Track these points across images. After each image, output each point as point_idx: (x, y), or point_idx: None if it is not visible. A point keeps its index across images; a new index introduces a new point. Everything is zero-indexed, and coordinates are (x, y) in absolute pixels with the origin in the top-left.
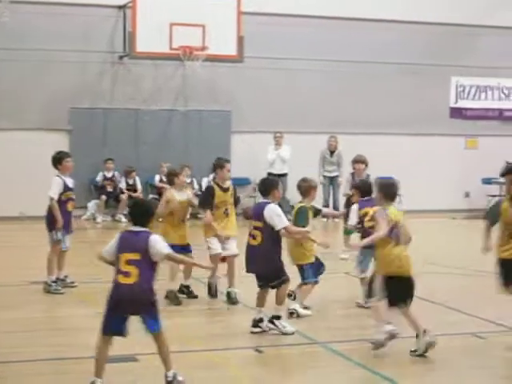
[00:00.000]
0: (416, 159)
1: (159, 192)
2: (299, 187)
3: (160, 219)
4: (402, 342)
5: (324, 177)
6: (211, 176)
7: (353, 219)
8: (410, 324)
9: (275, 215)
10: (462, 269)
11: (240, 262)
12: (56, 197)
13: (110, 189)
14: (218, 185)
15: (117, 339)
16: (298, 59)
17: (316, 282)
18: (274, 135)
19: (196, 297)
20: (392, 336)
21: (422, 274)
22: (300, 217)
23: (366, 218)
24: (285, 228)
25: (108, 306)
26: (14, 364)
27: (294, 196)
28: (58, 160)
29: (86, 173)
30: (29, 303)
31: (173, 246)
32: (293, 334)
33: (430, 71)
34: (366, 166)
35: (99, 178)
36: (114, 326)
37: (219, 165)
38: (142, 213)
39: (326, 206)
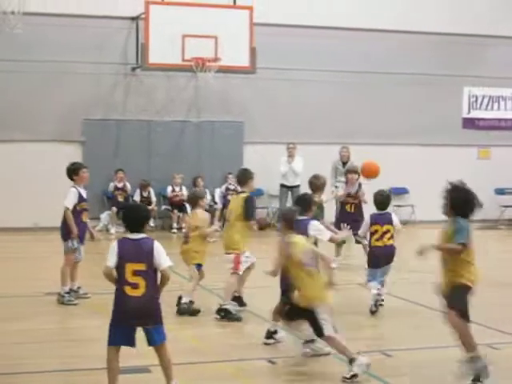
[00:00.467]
0: (428, 170)
1: (171, 203)
2: (311, 183)
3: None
4: (418, 354)
5: (336, 187)
6: (223, 187)
7: (362, 231)
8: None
9: (318, 231)
10: None
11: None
12: (71, 207)
13: (120, 199)
14: None
15: (130, 350)
16: (311, 70)
17: None
18: (287, 146)
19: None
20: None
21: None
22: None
23: (375, 237)
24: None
25: (115, 318)
26: (23, 375)
27: None
28: (74, 171)
29: (99, 184)
30: (41, 314)
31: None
32: (329, 354)
33: (442, 81)
34: (359, 175)
35: (111, 188)
36: (121, 337)
37: (251, 176)
38: (138, 218)
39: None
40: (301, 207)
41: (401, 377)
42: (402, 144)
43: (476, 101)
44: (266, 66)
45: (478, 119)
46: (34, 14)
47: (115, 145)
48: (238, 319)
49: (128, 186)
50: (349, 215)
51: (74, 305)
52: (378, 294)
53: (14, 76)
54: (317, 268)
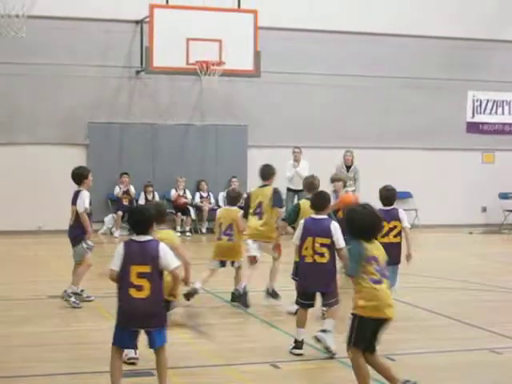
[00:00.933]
0: (432, 174)
1: (175, 206)
2: (311, 184)
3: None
4: (423, 359)
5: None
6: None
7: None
8: None
9: (339, 232)
10: (479, 284)
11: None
12: (88, 209)
13: (125, 202)
14: None
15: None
16: (315, 74)
17: None
18: (293, 151)
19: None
20: None
21: (439, 289)
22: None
23: (393, 233)
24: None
25: (119, 320)
26: (26, 378)
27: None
28: (84, 176)
29: (102, 187)
30: (45, 317)
31: None
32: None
33: (446, 85)
34: (345, 184)
35: (116, 191)
36: (124, 340)
37: (274, 172)
38: (144, 220)
39: None
40: (318, 205)
41: None
42: (406, 148)
43: (480, 105)
44: (270, 69)
45: (482, 123)
46: (38, 17)
47: (119, 148)
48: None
49: (132, 189)
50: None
51: (79, 308)
52: None
53: (18, 79)
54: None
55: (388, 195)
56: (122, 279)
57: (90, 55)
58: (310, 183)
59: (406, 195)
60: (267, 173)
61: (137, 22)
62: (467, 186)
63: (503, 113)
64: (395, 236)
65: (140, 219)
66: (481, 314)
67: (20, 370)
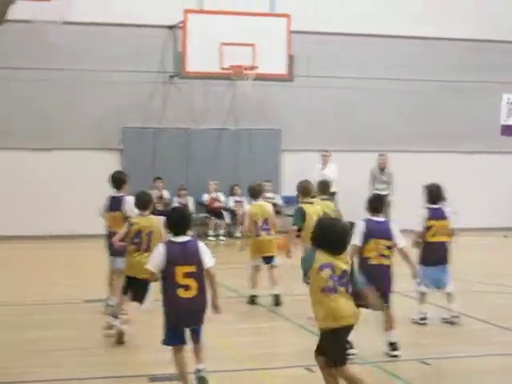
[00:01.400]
0: (466, 177)
1: (209, 210)
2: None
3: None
4: (458, 363)
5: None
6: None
7: (354, 238)
8: None
9: (398, 232)
10: None
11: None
12: None
13: (159, 207)
14: None
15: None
16: (348, 77)
17: None
18: (321, 154)
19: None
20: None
21: (475, 293)
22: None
23: (430, 232)
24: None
25: (168, 321)
26: (62, 382)
27: (343, 214)
28: (125, 180)
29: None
30: (80, 321)
31: None
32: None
33: (480, 88)
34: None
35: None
36: (176, 338)
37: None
38: (183, 220)
39: None
40: (377, 207)
41: None
42: (439, 151)
43: None
44: (303, 73)
45: None
46: (75, 23)
47: (153, 153)
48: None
49: (166, 193)
50: None
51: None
52: (449, 310)
53: (54, 84)
54: None
55: (437, 193)
56: (166, 280)
57: (124, 61)
58: (304, 187)
59: None
60: (326, 187)
61: (170, 27)
62: (502, 189)
63: None
64: (445, 235)
65: (179, 220)
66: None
67: (57, 373)
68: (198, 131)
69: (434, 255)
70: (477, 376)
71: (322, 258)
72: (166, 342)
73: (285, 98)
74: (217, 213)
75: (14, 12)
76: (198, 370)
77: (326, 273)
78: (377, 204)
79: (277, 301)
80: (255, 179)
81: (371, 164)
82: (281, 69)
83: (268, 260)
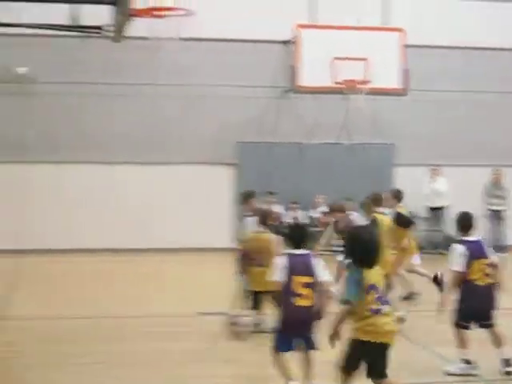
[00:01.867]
0: None
1: (323, 224)
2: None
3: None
4: None
5: (489, 210)
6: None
7: (456, 263)
8: None
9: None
10: None
11: None
12: None
13: (272, 222)
14: None
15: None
16: (462, 91)
17: None
18: (431, 168)
19: None
20: None
21: None
22: None
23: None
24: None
25: (282, 327)
26: None
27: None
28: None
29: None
30: (196, 334)
31: None
32: None
33: None
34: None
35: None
36: (287, 345)
37: None
38: (303, 235)
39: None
40: (464, 226)
41: None
42: None
43: None
44: (416, 87)
45: None
46: (190, 39)
47: (267, 167)
48: None
49: (278, 208)
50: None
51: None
52: None
53: (169, 99)
54: None
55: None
56: (283, 289)
57: (238, 75)
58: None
59: None
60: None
61: (284, 42)
62: None
63: None
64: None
65: (300, 234)
66: None
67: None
68: (311, 145)
69: None
70: None
71: (368, 277)
72: (277, 348)
73: (398, 111)
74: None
75: (130, 29)
76: None
77: (372, 295)
78: (465, 222)
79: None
80: (368, 193)
81: (483, 178)
82: (394, 83)
83: None
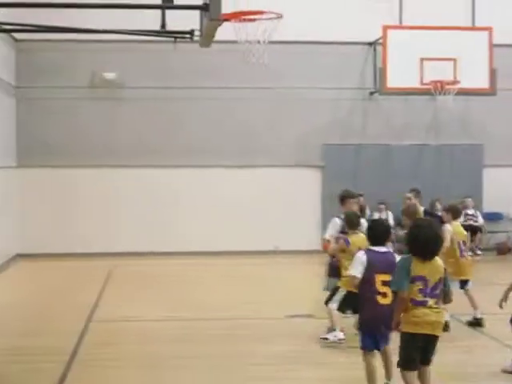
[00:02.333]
0: None
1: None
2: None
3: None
4: None
5: None
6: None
7: None
8: None
9: None
10: None
11: None
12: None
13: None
14: None
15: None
16: None
17: None
18: None
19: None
20: None
21: None
22: None
23: None
24: None
25: (367, 325)
26: None
27: None
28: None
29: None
30: (281, 337)
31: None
32: None
33: None
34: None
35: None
36: (372, 342)
37: None
38: (383, 232)
39: None
40: None
41: None
42: None
43: None
44: (506, 87)
45: None
46: (277, 42)
47: (353, 169)
48: None
49: (366, 209)
50: None
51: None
52: None
53: (256, 103)
54: None
55: None
56: (364, 286)
57: (324, 78)
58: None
59: None
60: None
61: (370, 43)
62: None
63: None
64: None
65: (381, 231)
66: None
67: None
68: (399, 147)
69: None
70: None
71: (416, 268)
72: (365, 346)
73: (487, 112)
74: None
75: (219, 32)
76: None
77: (417, 286)
78: None
79: (480, 324)
80: (456, 195)
81: None
82: (483, 83)
83: (463, 285)
